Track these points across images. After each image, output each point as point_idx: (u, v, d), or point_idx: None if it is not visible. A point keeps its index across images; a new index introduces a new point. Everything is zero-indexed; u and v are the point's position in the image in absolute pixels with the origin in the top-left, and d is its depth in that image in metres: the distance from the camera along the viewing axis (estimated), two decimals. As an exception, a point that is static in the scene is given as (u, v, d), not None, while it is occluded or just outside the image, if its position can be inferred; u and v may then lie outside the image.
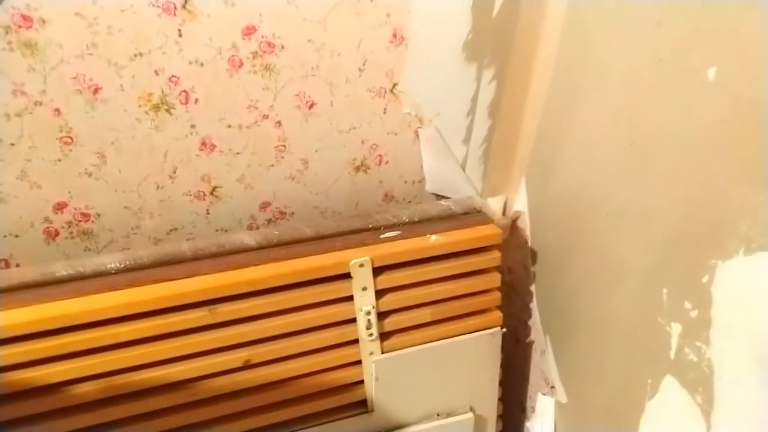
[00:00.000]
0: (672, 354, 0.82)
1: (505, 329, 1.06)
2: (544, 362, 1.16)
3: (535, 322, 1.19)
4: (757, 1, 0.63)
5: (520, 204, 1.18)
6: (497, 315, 1.05)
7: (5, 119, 0.81)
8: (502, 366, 1.09)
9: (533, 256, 1.16)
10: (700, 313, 0.76)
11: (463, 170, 1.14)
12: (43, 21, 0.76)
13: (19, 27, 0.75)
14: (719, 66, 0.69)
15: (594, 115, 0.93)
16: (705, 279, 0.74)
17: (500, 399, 1.14)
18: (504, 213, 1.22)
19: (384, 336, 0.98)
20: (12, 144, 0.83)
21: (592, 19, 0.90)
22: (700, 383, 0.77)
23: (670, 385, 0.83)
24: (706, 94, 0.71)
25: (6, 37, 0.76)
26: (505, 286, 1.27)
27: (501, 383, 1.12)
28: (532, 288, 1.18)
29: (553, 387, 1.14)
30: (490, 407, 1.10)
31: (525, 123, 1.11)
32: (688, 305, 0.78)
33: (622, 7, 0.84)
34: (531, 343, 1.21)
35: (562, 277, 1.07)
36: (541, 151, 1.09)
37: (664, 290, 0.82)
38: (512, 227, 1.20)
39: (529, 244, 1.17)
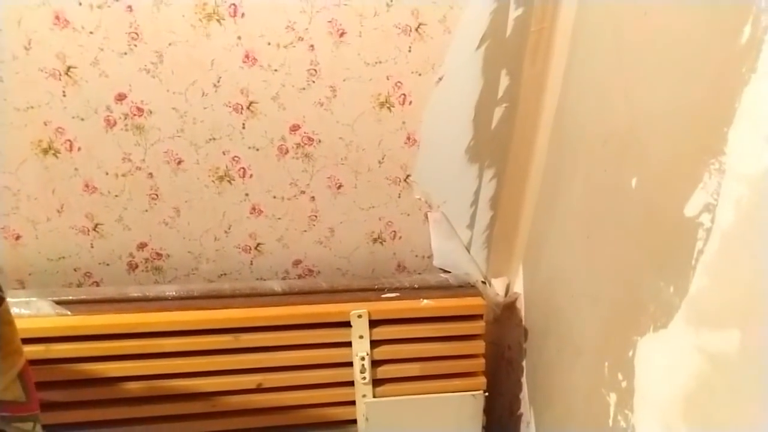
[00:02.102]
0: (610, 422, 0.93)
1: (488, 393, 1.19)
2: (528, 433, 1.27)
3: (525, 395, 1.30)
4: (665, 127, 0.81)
5: (518, 286, 1.34)
6: (481, 380, 1.19)
7: (114, 178, 1.12)
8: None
9: (525, 334, 1.30)
10: (628, 384, 0.89)
11: (468, 251, 1.33)
12: (150, 111, 1.08)
13: (134, 115, 1.08)
14: (638, 177, 0.87)
15: (566, 212, 1.10)
16: (630, 353, 0.88)
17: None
18: (506, 294, 1.37)
19: (377, 382, 1.15)
20: (116, 196, 1.14)
21: (569, 132, 1.11)
22: (628, 448, 0.88)
23: (609, 451, 0.94)
24: (629, 200, 0.88)
25: (125, 121, 1.08)
26: (505, 362, 1.41)
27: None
28: (524, 363, 1.31)
29: (533, 458, 1.24)
30: (470, 465, 1.21)
31: (523, 216, 1.30)
32: (620, 376, 0.91)
33: (584, 126, 1.04)
34: (521, 416, 1.32)
35: (541, 352, 1.21)
36: (534, 241, 1.27)
37: (606, 363, 0.95)
38: (512, 307, 1.36)
39: (524, 323, 1.32)
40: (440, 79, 1.14)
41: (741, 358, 0.66)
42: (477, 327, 1.17)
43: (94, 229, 1.16)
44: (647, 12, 0.85)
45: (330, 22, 1.06)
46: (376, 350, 1.13)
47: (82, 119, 1.06)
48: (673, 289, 0.77)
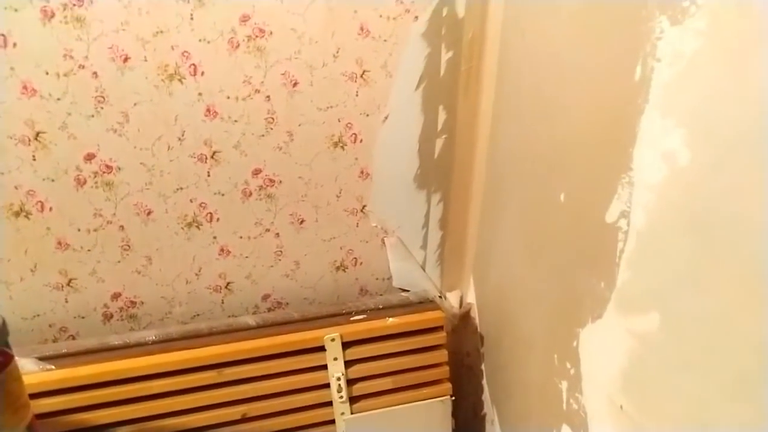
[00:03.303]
0: (564, 406, 1.06)
1: (454, 398, 1.31)
2: (493, 430, 1.39)
3: (486, 396, 1.43)
4: (583, 149, 0.96)
5: (471, 297, 1.47)
6: (447, 386, 1.30)
7: (86, 233, 1.17)
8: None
9: (482, 339, 1.43)
10: (576, 371, 1.02)
11: (423, 270, 1.45)
12: (119, 168, 1.15)
13: (103, 172, 1.14)
14: (565, 192, 1.02)
15: (507, 227, 1.25)
16: (575, 343, 1.02)
17: (459, 464, 1.36)
18: (460, 305, 1.50)
19: (353, 399, 1.24)
20: (88, 250, 1.19)
21: (502, 157, 1.26)
22: (581, 426, 1.02)
23: (566, 432, 1.07)
24: (560, 212, 1.03)
25: (94, 179, 1.14)
26: (465, 368, 1.53)
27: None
28: (483, 367, 1.44)
29: (501, 452, 1.36)
30: (445, 467, 1.32)
31: (469, 233, 1.44)
32: (568, 365, 1.04)
33: (515, 151, 1.19)
34: (484, 416, 1.44)
35: (497, 354, 1.34)
36: (481, 254, 1.41)
37: (555, 355, 1.08)
38: (467, 317, 1.49)
39: (479, 330, 1.45)
40: (386, 117, 1.26)
41: (662, 334, 0.81)
42: (439, 338, 1.28)
43: (68, 284, 1.20)
44: (560, 52, 1.01)
45: (283, 74, 1.16)
46: (350, 370, 1.23)
47: (53, 180, 1.12)
48: (603, 284, 0.92)
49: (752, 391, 0.66)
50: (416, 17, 1.19)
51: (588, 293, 0.97)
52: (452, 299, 1.49)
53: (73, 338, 1.24)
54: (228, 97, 1.15)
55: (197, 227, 1.24)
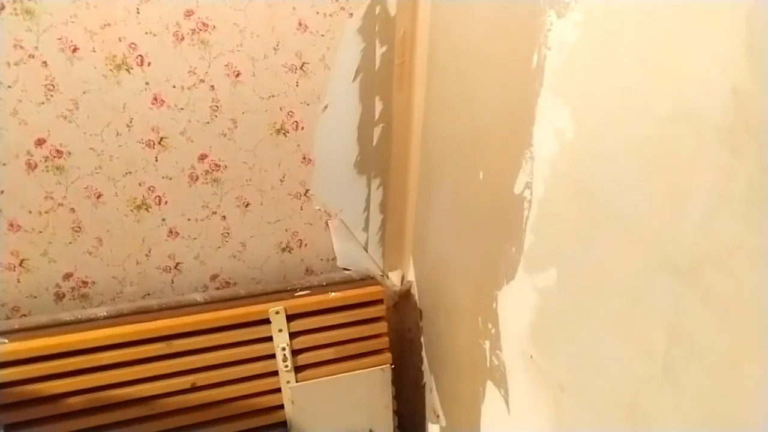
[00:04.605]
0: (488, 364, 1.18)
1: (394, 366, 1.41)
2: (431, 397, 1.50)
3: (426, 367, 1.54)
4: (495, 131, 1.08)
5: (411, 275, 1.58)
6: (387, 355, 1.40)
7: (38, 215, 1.23)
8: (405, 404, 1.42)
9: (421, 314, 1.54)
10: (496, 330, 1.14)
11: (366, 250, 1.55)
12: (69, 153, 1.21)
13: (54, 157, 1.20)
14: (483, 170, 1.13)
15: (439, 207, 1.36)
16: (494, 305, 1.13)
17: (401, 429, 1.46)
18: (402, 283, 1.61)
19: (298, 369, 1.33)
20: (40, 232, 1.24)
21: (433, 143, 1.37)
22: (501, 380, 1.13)
23: (489, 387, 1.18)
24: (480, 189, 1.15)
25: (45, 163, 1.20)
26: (407, 343, 1.64)
27: (404, 416, 1.44)
28: (422, 339, 1.54)
29: (438, 416, 1.47)
30: (386, 430, 1.42)
31: (408, 215, 1.54)
32: (489, 326, 1.16)
33: (443, 137, 1.30)
34: (424, 385, 1.55)
35: (434, 326, 1.45)
36: (419, 235, 1.51)
37: (479, 318, 1.20)
38: (408, 294, 1.59)
39: (418, 305, 1.55)
40: (326, 107, 1.36)
41: (558, 287, 0.93)
42: (379, 310, 1.38)
43: (20, 265, 1.25)
44: (477, 46, 1.13)
45: (226, 65, 1.25)
46: (294, 341, 1.31)
47: (4, 164, 1.17)
48: (514, 249, 1.04)
49: (631, 331, 0.78)
50: (351, 14, 1.29)
51: (503, 258, 1.08)
52: (394, 278, 1.59)
53: (25, 317, 1.29)
54: (174, 87, 1.23)
55: (146, 210, 1.31)
